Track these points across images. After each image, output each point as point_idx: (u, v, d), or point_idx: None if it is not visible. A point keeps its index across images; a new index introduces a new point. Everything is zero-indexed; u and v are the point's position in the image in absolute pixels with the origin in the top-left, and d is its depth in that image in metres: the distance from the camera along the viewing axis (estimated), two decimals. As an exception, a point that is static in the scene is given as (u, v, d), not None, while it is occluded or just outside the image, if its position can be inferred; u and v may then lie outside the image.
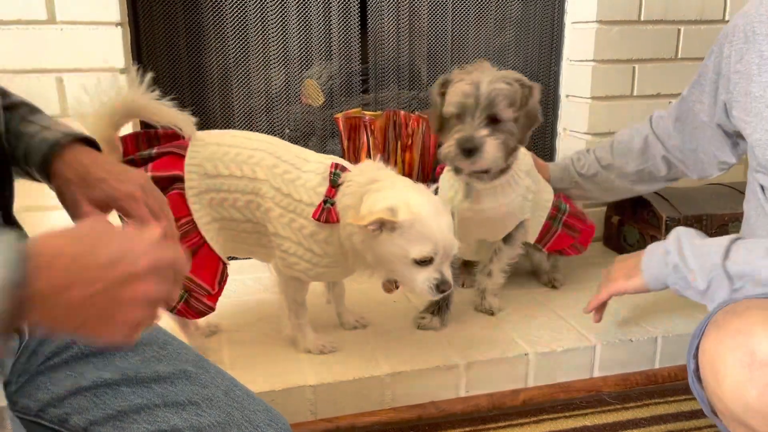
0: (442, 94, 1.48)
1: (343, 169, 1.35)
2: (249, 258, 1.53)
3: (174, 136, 1.38)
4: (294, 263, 1.36)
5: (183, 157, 1.35)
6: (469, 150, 1.39)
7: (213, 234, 1.38)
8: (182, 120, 1.33)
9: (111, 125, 1.30)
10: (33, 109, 0.95)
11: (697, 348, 1.07)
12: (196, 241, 1.36)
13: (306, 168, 1.35)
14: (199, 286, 1.36)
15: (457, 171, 1.55)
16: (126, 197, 0.86)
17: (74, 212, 0.86)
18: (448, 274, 1.28)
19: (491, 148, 1.41)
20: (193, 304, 1.37)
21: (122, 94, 1.27)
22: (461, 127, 1.42)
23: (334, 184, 1.32)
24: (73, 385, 0.82)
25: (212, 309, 1.41)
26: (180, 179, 1.34)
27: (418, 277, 1.26)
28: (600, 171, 1.74)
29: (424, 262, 1.25)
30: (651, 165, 1.66)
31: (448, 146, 1.43)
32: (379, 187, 1.28)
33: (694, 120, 1.47)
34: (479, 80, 1.41)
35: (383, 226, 1.23)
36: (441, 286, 1.26)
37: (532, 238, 1.75)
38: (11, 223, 0.91)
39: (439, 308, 1.63)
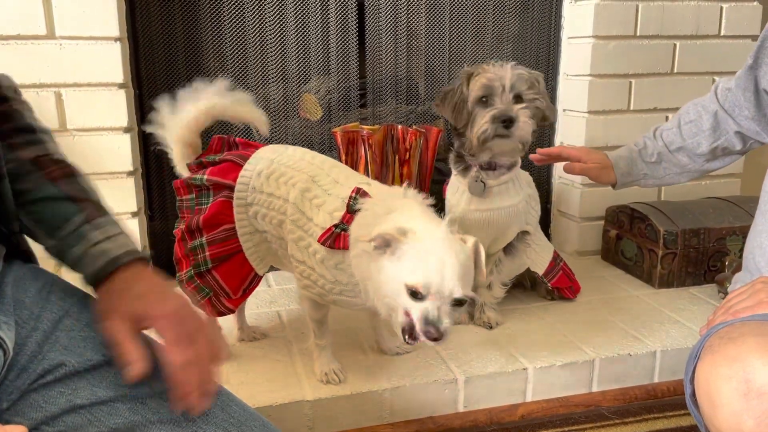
0: (467, 84, 1.56)
1: (364, 194, 1.29)
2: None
3: (247, 146, 1.49)
4: (308, 286, 1.36)
5: (240, 167, 1.42)
6: (509, 120, 1.48)
7: (251, 244, 1.44)
8: (257, 118, 1.46)
9: (193, 130, 1.47)
10: (100, 208, 0.94)
11: (694, 371, 1.06)
12: (234, 247, 1.43)
13: (333, 191, 1.33)
14: (222, 288, 1.44)
15: (465, 171, 1.64)
16: (161, 317, 0.85)
17: (103, 319, 0.85)
18: (442, 315, 1.13)
19: (525, 118, 1.50)
20: (215, 303, 1.45)
21: (205, 100, 1.43)
22: (490, 107, 1.51)
23: (351, 210, 1.27)
24: (68, 403, 0.81)
25: (231, 311, 1.49)
26: (232, 188, 1.41)
27: (400, 312, 1.16)
28: (670, 156, 1.63)
29: (414, 296, 1.13)
30: (724, 141, 1.55)
31: (483, 124, 1.50)
32: (393, 217, 1.21)
33: (760, 83, 1.40)
34: (501, 67, 1.52)
35: (388, 246, 1.16)
36: (413, 332, 1.14)
37: (540, 269, 1.78)
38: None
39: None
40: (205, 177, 1.43)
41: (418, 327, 1.13)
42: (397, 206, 1.24)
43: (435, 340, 1.12)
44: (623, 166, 1.67)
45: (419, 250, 1.15)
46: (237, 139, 1.53)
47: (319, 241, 1.28)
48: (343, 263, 1.28)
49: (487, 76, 1.51)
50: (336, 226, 1.27)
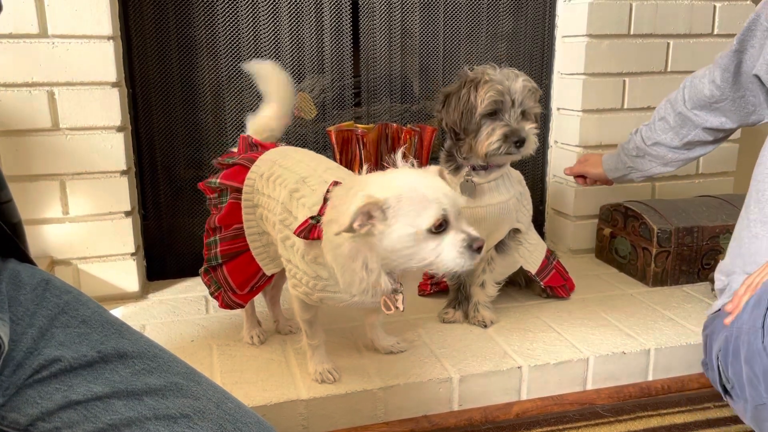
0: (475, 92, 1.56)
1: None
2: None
3: (263, 147, 1.55)
4: (296, 285, 1.35)
5: (248, 169, 1.47)
6: (520, 142, 1.52)
7: (260, 244, 1.48)
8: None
9: (263, 132, 1.59)
10: None
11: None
12: (241, 246, 1.49)
13: (319, 190, 1.30)
14: (228, 284, 1.50)
15: (456, 171, 1.65)
16: None
17: None
18: (471, 229, 1.13)
19: (533, 139, 1.55)
20: (224, 296, 1.53)
21: (267, 113, 1.58)
22: (500, 123, 1.53)
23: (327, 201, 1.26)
24: (63, 399, 0.81)
25: (240, 306, 1.55)
26: (240, 190, 1.47)
27: (445, 247, 1.12)
28: (649, 150, 1.70)
29: (440, 229, 1.11)
30: (694, 135, 1.60)
31: (495, 142, 1.53)
32: (354, 192, 1.16)
33: (744, 66, 1.40)
34: (509, 79, 1.53)
35: (372, 217, 1.12)
36: (473, 244, 1.12)
37: (533, 268, 1.79)
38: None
39: (459, 302, 1.74)
40: (218, 181, 1.50)
41: (468, 256, 1.13)
42: (355, 182, 1.22)
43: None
44: (610, 162, 1.83)
45: (407, 193, 1.12)
46: (254, 139, 1.57)
47: (295, 233, 1.26)
48: (321, 257, 1.26)
49: (497, 88, 1.51)
50: (312, 217, 1.25)
